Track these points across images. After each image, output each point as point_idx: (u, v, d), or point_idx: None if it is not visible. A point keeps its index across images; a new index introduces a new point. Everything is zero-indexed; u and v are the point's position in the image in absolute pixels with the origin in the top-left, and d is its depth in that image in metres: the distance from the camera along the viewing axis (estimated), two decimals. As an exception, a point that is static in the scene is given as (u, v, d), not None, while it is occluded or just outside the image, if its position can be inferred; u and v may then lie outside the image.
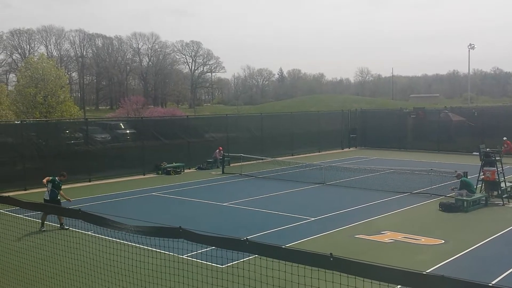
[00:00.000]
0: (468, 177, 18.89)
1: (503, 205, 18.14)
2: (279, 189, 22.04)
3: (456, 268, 11.18)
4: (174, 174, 27.35)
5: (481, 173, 19.20)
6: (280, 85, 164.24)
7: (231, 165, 28.97)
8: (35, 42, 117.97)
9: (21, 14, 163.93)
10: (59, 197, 15.92)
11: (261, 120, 36.32)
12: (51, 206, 11.59)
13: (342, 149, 40.22)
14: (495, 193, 18.83)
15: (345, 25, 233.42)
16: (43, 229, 14.93)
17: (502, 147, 30.71)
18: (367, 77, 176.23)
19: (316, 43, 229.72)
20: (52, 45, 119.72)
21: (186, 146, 29.90)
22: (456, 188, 18.19)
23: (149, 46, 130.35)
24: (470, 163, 27.15)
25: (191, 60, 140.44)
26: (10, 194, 16.73)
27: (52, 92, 42.08)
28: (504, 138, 32.15)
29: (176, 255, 7.87)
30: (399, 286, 3.77)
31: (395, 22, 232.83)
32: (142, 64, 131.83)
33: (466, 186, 17.86)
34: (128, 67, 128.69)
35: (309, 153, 37.03)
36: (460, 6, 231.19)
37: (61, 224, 15.25)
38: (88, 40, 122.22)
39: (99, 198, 20.74)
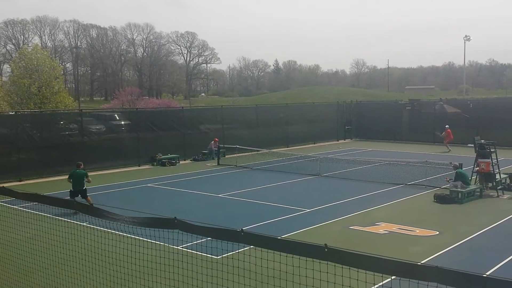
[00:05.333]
0: (463, 168, 18.95)
1: (498, 196, 18.21)
2: (274, 181, 22.06)
3: (450, 259, 11.23)
4: (169, 166, 27.33)
5: (476, 165, 19.24)
6: (276, 77, 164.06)
7: (227, 156, 28.99)
8: (29, 33, 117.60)
9: (15, 4, 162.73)
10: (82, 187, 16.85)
11: (257, 112, 36.29)
12: (47, 197, 11.55)
13: (338, 141, 40.27)
14: (490, 184, 18.90)
15: (341, 16, 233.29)
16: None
17: (444, 135, 32.67)
18: (363, 69, 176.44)
19: (312, 35, 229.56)
20: (46, 36, 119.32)
21: (181, 138, 29.86)
22: (451, 179, 18.26)
23: (144, 36, 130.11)
24: (465, 154, 27.24)
25: (186, 51, 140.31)
26: (5, 185, 16.67)
27: (47, 83, 41.92)
28: (446, 126, 33.14)
29: (172, 246, 7.85)
30: (393, 277, 3.78)
31: (390, 13, 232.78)
32: (137, 55, 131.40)
33: (461, 177, 17.93)
34: (123, 58, 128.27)
35: (304, 144, 37.07)
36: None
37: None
38: (83, 30, 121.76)
39: (94, 189, 20.69)
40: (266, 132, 34.76)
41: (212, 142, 29.88)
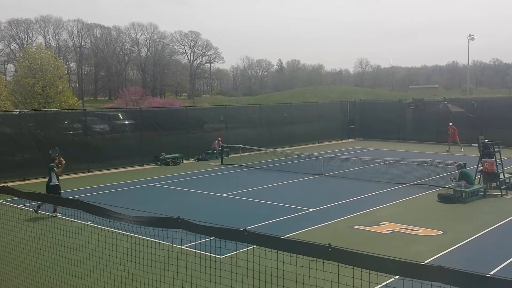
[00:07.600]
0: (467, 168, 18.91)
1: (501, 196, 18.17)
2: (278, 180, 22.05)
3: (454, 259, 11.21)
4: (173, 165, 27.36)
5: (480, 165, 19.20)
6: (279, 76, 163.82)
7: (230, 156, 28.99)
8: (33, 32, 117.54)
9: (19, 4, 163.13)
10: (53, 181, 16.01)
11: (260, 111, 36.29)
12: (51, 196, 11.58)
13: (341, 140, 40.23)
14: (494, 184, 18.85)
15: (345, 15, 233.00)
16: (38, 212, 15.20)
17: (449, 132, 32.47)
18: (367, 68, 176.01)
19: (316, 34, 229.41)
20: (50, 35, 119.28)
21: (185, 137, 29.88)
22: (455, 179, 18.23)
23: (148, 36, 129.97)
24: (469, 154, 27.17)
25: (189, 51, 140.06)
26: (9, 184, 16.71)
27: (51, 82, 42.06)
28: (450, 124, 32.86)
29: (175, 245, 7.87)
30: (397, 277, 3.78)
31: (394, 12, 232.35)
32: (141, 54, 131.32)
33: (465, 177, 17.89)
34: (127, 58, 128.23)
35: (308, 144, 37.04)
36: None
37: (55, 210, 15.03)
38: (87, 30, 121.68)
39: (98, 189, 20.76)
40: (270, 131, 34.76)
41: (216, 141, 29.90)
